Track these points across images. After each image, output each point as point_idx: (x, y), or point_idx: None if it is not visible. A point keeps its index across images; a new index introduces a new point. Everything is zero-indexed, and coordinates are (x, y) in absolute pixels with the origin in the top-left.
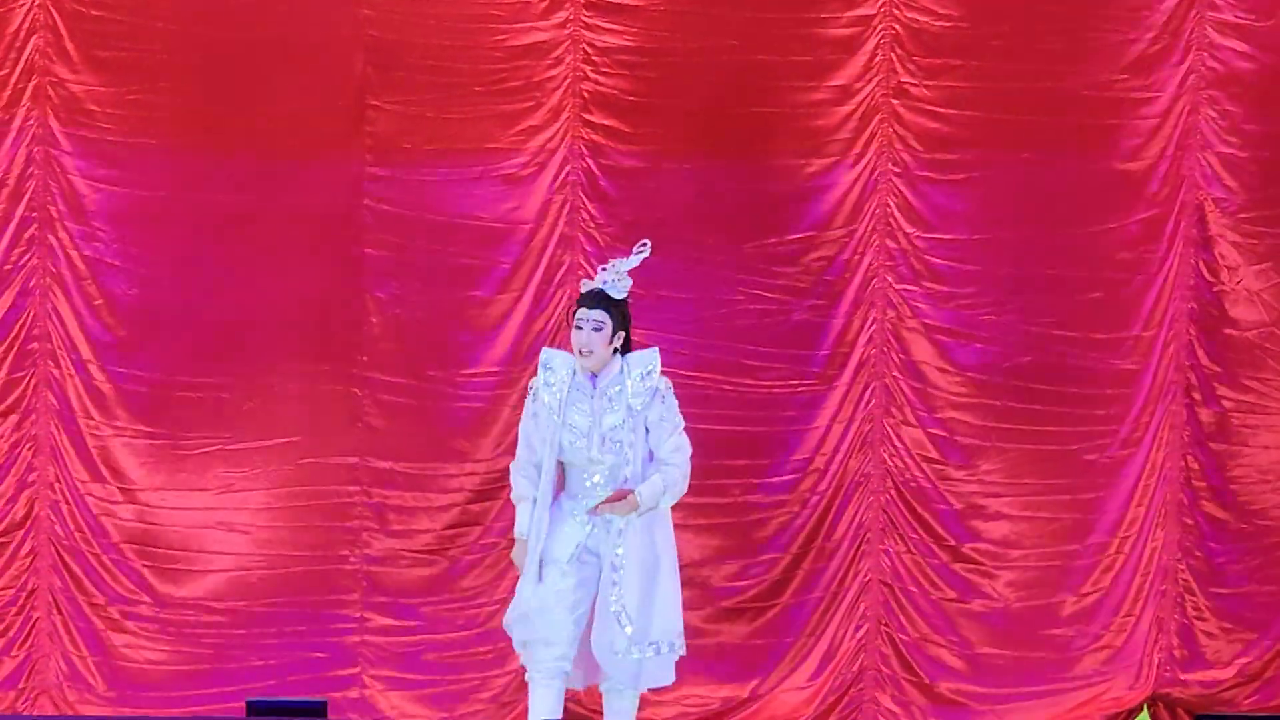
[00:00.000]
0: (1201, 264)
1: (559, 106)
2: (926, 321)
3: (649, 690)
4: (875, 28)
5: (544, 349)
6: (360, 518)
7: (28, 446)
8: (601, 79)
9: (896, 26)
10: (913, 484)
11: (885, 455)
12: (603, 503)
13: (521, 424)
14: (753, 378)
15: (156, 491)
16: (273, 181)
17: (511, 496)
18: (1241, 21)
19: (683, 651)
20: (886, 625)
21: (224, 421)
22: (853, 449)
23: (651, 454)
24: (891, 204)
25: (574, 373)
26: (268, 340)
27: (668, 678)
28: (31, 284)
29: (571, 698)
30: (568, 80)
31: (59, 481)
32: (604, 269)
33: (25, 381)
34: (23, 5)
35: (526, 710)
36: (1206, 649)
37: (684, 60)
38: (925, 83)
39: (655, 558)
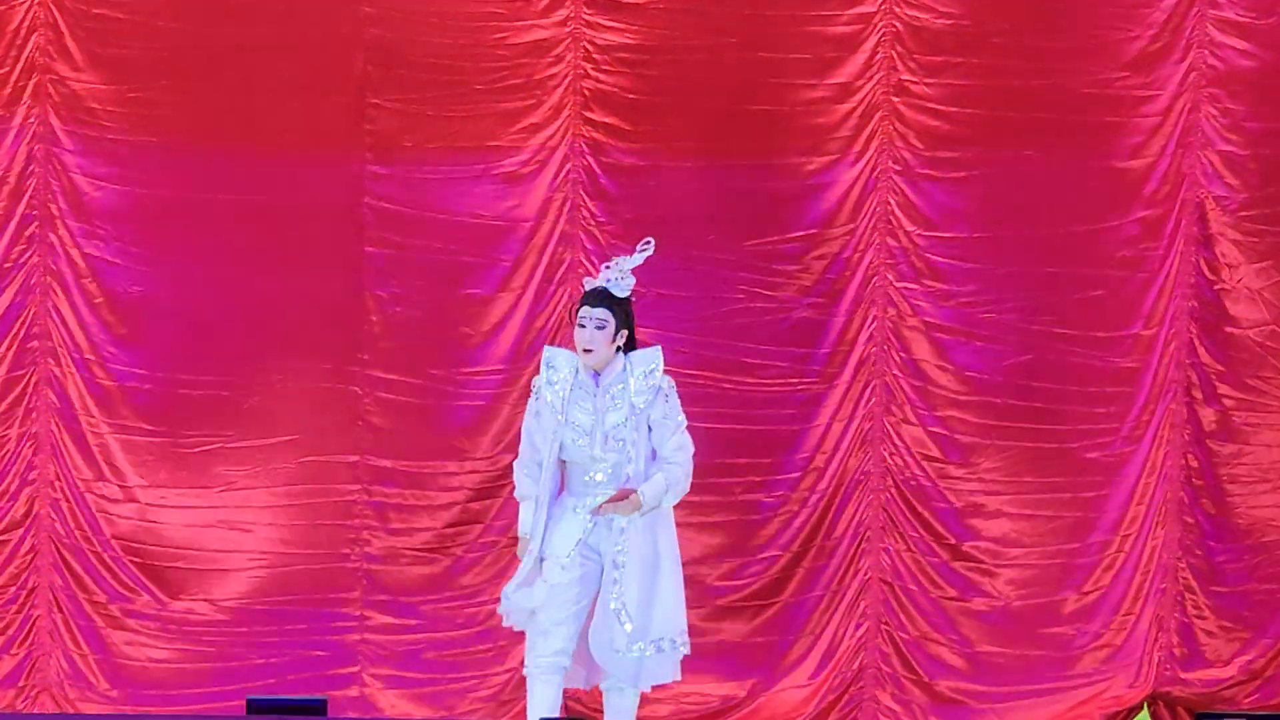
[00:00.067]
0: (1202, 262)
1: (560, 104)
2: (927, 320)
3: (651, 688)
4: (876, 25)
5: (546, 347)
6: (361, 516)
7: (28, 444)
8: (602, 77)
9: (897, 24)
10: (913, 482)
11: (885, 453)
12: (606, 502)
13: (524, 422)
14: (753, 376)
15: (157, 489)
16: (273, 179)
17: (515, 495)
18: (1242, 19)
19: (687, 650)
20: (886, 624)
21: (224, 419)
22: (853, 447)
23: (653, 452)
24: (892, 202)
25: (577, 371)
26: (268, 338)
27: (670, 675)
28: (32, 282)
29: (572, 696)
30: (568, 78)
31: (59, 479)
32: (607, 267)
33: (26, 379)
34: (23, 3)
35: (526, 708)
36: (1206, 648)
37: (685, 58)
38: (926, 80)
39: (656, 555)
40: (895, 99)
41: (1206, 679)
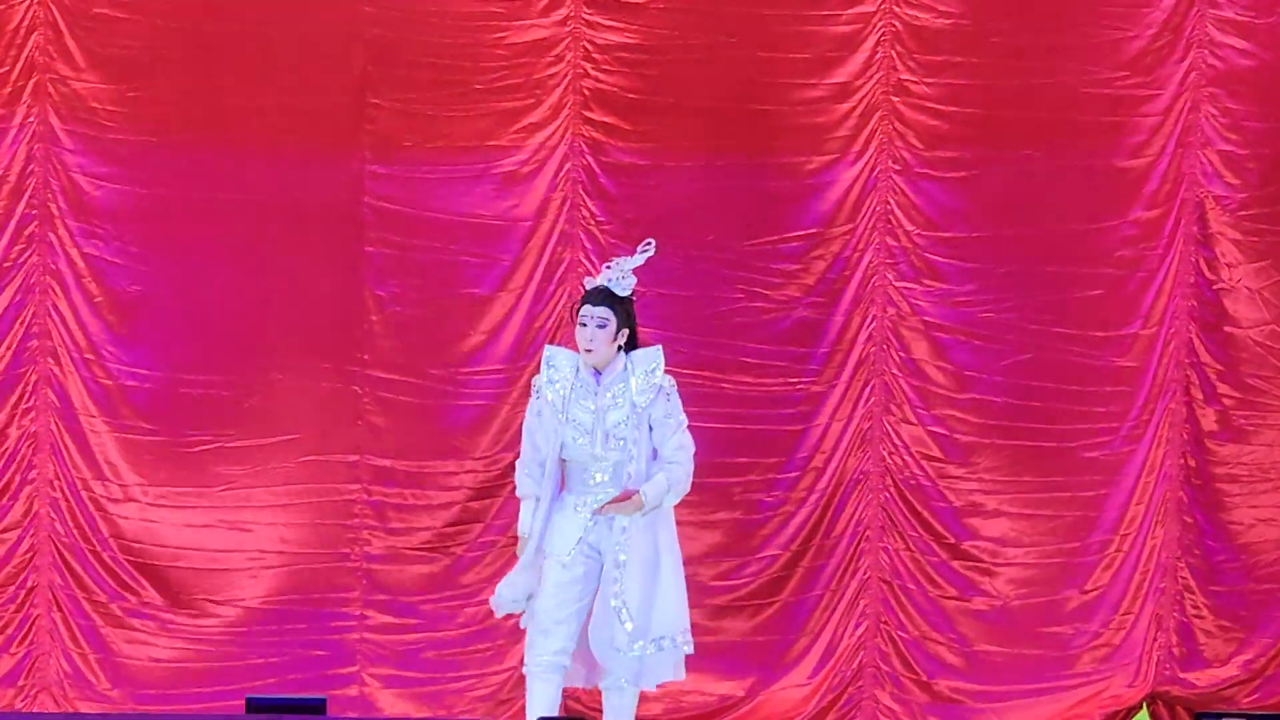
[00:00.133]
0: (1202, 261)
1: (559, 104)
2: (926, 319)
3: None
4: (875, 25)
5: (547, 346)
6: (360, 515)
7: (28, 444)
8: (602, 76)
9: (896, 23)
10: (912, 481)
11: (885, 453)
12: (609, 503)
13: (525, 421)
14: (752, 375)
15: (156, 489)
16: (273, 179)
17: (516, 493)
18: (1242, 19)
19: (689, 649)
20: (886, 623)
21: (224, 419)
22: (852, 447)
23: (654, 452)
24: (892, 201)
25: (578, 370)
26: (268, 338)
27: (672, 674)
28: (32, 281)
29: (571, 695)
30: (568, 77)
31: (59, 479)
32: (608, 267)
33: (25, 378)
34: (23, 2)
35: (525, 707)
36: (1205, 647)
37: (684, 57)
38: (925, 80)
39: (657, 554)
40: (895, 98)
41: (1205, 678)
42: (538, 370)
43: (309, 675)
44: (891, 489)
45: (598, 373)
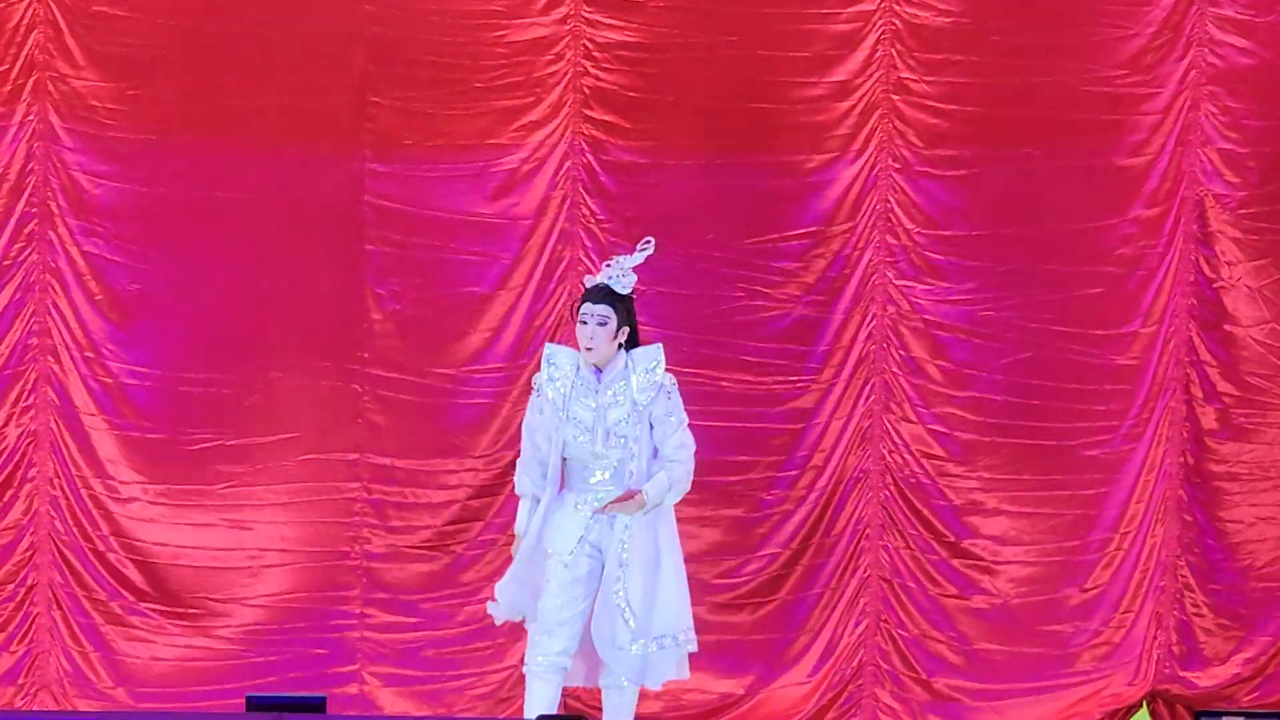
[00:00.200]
0: (1202, 260)
1: (559, 102)
2: (926, 317)
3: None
4: (875, 23)
5: (547, 344)
6: (361, 514)
7: (28, 442)
8: (602, 74)
9: (896, 22)
10: (912, 480)
11: (885, 451)
12: (611, 503)
13: (525, 420)
14: (752, 374)
15: (157, 487)
16: (273, 177)
17: (516, 491)
18: (1242, 17)
19: (693, 647)
20: (886, 621)
21: (224, 417)
22: (852, 445)
23: (655, 450)
24: (891, 200)
25: (578, 368)
26: (268, 336)
27: (675, 672)
28: (32, 279)
29: (570, 694)
30: (568, 76)
31: (59, 477)
32: (608, 265)
33: (25, 377)
34: (22, 1)
35: (523, 705)
36: (1205, 645)
37: (684, 56)
38: (925, 78)
39: (657, 552)
40: (895, 97)
41: (1205, 677)
42: (538, 368)
43: (309, 673)
44: (891, 487)
45: (598, 371)
